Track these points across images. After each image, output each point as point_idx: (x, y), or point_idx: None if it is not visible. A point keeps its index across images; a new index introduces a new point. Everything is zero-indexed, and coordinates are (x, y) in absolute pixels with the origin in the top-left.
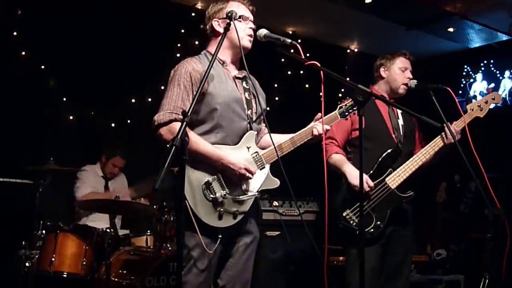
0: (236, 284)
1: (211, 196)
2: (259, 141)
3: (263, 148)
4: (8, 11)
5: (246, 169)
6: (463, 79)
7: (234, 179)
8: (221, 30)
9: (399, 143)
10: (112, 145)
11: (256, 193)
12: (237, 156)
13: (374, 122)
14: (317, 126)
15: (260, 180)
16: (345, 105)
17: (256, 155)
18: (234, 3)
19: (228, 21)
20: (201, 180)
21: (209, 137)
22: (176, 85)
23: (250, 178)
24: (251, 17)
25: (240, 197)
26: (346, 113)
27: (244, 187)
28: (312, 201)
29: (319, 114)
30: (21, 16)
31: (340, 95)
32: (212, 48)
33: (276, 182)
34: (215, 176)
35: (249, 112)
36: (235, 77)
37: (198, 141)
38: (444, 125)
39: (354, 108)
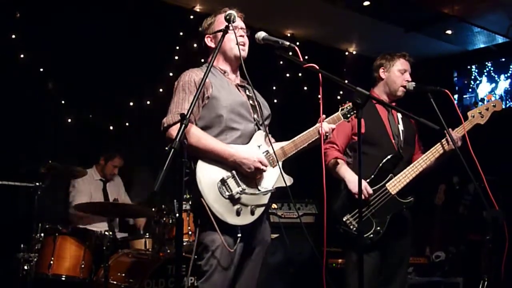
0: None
1: (227, 193)
2: None
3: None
4: (6, 14)
5: (260, 162)
6: (471, 81)
7: (249, 175)
8: (212, 45)
9: (399, 149)
10: (109, 147)
11: (272, 189)
12: (249, 151)
13: (374, 127)
14: (323, 125)
15: (273, 177)
16: (346, 108)
17: (267, 153)
18: (222, 15)
19: (227, 24)
20: (216, 177)
21: (220, 140)
22: (181, 90)
23: (264, 171)
24: (241, 25)
25: (256, 192)
26: (348, 115)
27: (258, 184)
28: (311, 203)
29: (323, 116)
30: (19, 19)
31: (338, 97)
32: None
33: (288, 180)
34: (230, 174)
35: (255, 115)
36: (238, 85)
37: (208, 139)
38: (445, 132)
39: (355, 111)
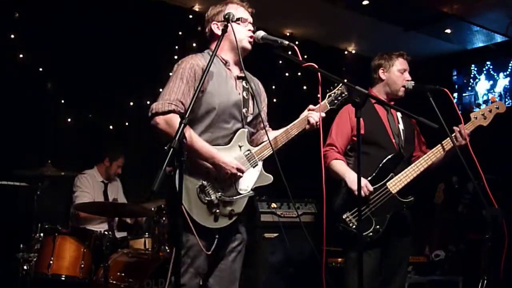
0: (224, 286)
1: (207, 199)
2: (259, 139)
3: (258, 145)
4: (6, 14)
5: (238, 169)
6: (471, 79)
7: (225, 178)
8: (219, 32)
9: (400, 148)
10: (113, 147)
11: (251, 192)
12: (230, 156)
13: (373, 127)
14: (312, 115)
15: (253, 178)
16: (334, 93)
17: (248, 153)
18: (233, 5)
19: (226, 23)
20: (195, 183)
21: (202, 136)
22: (179, 78)
23: (241, 177)
24: (250, 19)
25: (235, 197)
26: (335, 101)
27: (237, 187)
28: (310, 202)
29: (311, 106)
30: (19, 19)
31: None
32: (213, 48)
33: (269, 178)
34: (209, 179)
35: (244, 110)
36: (237, 77)
37: (192, 137)
38: (454, 128)
39: (343, 95)
